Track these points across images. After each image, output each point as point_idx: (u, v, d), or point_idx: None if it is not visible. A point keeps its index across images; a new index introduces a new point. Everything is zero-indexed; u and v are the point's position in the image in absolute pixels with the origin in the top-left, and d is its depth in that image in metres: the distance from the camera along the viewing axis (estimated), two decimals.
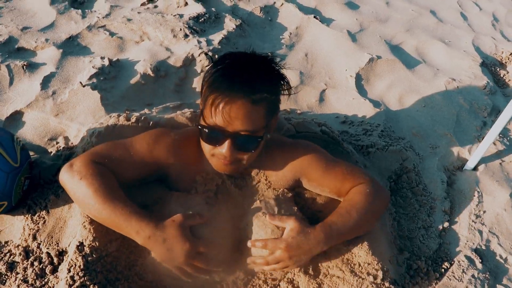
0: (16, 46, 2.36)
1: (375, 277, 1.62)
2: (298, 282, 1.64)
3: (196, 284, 1.59)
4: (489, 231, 2.00)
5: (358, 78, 2.57)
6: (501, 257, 1.91)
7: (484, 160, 2.30)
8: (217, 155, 1.53)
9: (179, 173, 1.70)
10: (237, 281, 1.63)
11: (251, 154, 1.55)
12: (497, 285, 1.78)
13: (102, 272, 1.53)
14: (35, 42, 2.40)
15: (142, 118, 1.92)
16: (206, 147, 1.55)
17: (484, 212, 2.08)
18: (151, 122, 1.91)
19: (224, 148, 1.47)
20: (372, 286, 1.60)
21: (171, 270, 1.49)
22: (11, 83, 2.17)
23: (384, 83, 2.60)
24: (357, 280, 1.60)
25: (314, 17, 2.92)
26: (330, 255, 1.69)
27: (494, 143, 2.39)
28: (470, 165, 2.26)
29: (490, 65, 2.96)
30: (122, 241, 1.61)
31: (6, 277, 1.53)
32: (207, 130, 1.47)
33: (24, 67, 2.23)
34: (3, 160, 1.58)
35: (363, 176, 1.75)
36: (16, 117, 2.02)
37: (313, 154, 1.73)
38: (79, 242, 1.55)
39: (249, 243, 1.55)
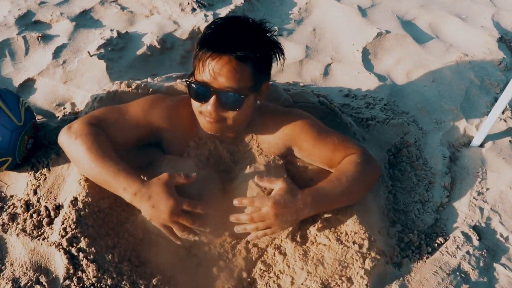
0: (33, 19, 2.50)
1: (360, 246, 1.64)
2: (285, 248, 1.69)
3: (185, 244, 1.66)
4: (491, 208, 1.94)
5: (365, 53, 2.56)
6: (501, 235, 1.84)
7: (492, 137, 2.23)
8: (203, 112, 1.57)
9: (172, 137, 1.77)
10: (224, 244, 1.69)
11: (236, 114, 1.57)
12: (494, 263, 1.73)
13: (93, 226, 1.62)
14: (51, 15, 2.53)
15: (142, 85, 2.00)
16: (194, 105, 1.60)
17: (488, 189, 2.02)
18: (151, 89, 1.99)
19: (209, 105, 1.52)
20: (357, 255, 1.61)
21: (160, 228, 1.55)
22: (26, 53, 2.30)
23: (392, 58, 2.57)
24: (342, 249, 1.63)
25: None
26: (319, 223, 1.72)
27: (505, 120, 2.32)
28: (476, 141, 2.20)
29: (510, 41, 2.86)
30: (115, 199, 1.71)
31: (8, 226, 1.65)
32: (194, 86, 1.53)
33: (39, 38, 2.36)
34: (8, 119, 1.69)
35: (355, 147, 1.75)
36: (28, 84, 2.15)
37: (305, 123, 1.75)
38: (73, 197, 1.65)
39: (235, 201, 1.56)
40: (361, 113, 2.19)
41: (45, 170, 1.80)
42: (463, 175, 2.08)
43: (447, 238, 1.82)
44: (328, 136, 1.75)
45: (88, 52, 2.22)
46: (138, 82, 2.04)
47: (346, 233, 1.68)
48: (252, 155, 1.82)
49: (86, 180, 1.67)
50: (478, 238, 1.81)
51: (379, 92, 2.33)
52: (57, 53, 2.28)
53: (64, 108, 2.07)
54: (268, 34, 1.59)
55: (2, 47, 2.30)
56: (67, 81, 2.14)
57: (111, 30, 2.39)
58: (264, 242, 1.72)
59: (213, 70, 1.46)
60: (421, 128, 2.23)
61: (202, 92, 1.52)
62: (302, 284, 1.60)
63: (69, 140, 1.58)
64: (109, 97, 1.95)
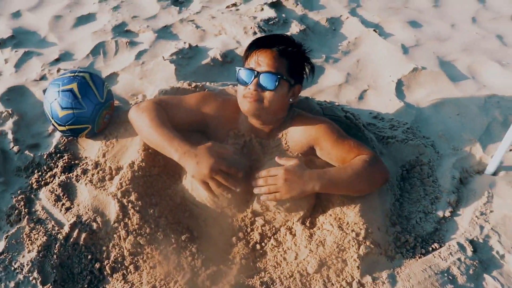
0: (125, 29, 3.07)
1: (357, 234, 1.87)
2: (295, 230, 1.95)
3: (212, 214, 2.01)
4: (491, 228, 2.03)
5: (399, 84, 2.83)
6: (497, 253, 1.93)
7: (507, 168, 2.38)
8: (246, 94, 1.95)
9: (216, 126, 2.15)
10: (245, 219, 2.00)
11: (272, 95, 1.93)
12: (484, 274, 1.83)
13: (143, 185, 2.02)
14: (139, 27, 3.09)
15: (200, 85, 2.44)
16: (239, 90, 2.00)
17: (492, 211, 2.12)
18: (206, 89, 2.42)
19: (251, 85, 1.92)
20: (354, 241, 1.84)
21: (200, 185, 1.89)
22: (115, 53, 2.85)
23: (424, 91, 2.80)
24: (341, 234, 1.87)
25: (374, 30, 3.26)
26: (326, 213, 1.99)
27: None
28: (490, 169, 2.33)
29: None
30: (164, 169, 2.12)
31: (80, 177, 2.09)
32: (242, 70, 1.96)
33: (127, 43, 2.90)
34: (93, 95, 2.18)
35: (367, 151, 2.03)
36: (113, 77, 2.67)
37: (328, 127, 2.07)
38: (131, 161, 2.07)
39: (257, 175, 1.89)
40: (383, 132, 2.46)
41: (114, 140, 2.26)
42: (469, 196, 2.21)
43: (442, 245, 1.95)
44: (346, 140, 2.05)
45: (163, 56, 2.72)
46: (198, 83, 2.48)
47: (348, 223, 1.92)
48: (280, 150, 2.12)
49: (144, 150, 2.09)
50: (472, 250, 1.91)
51: (405, 118, 2.58)
52: (138, 55, 2.81)
53: (137, 98, 2.54)
54: (303, 49, 2.03)
55: (98, 47, 2.89)
56: (143, 77, 2.64)
57: (184, 43, 2.89)
58: (279, 222, 2.00)
59: (258, 58, 1.93)
60: (438, 151, 2.43)
61: (247, 74, 1.94)
62: (303, 259, 1.85)
63: (137, 113, 2.03)
64: (172, 91, 2.40)
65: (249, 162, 2.11)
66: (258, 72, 1.92)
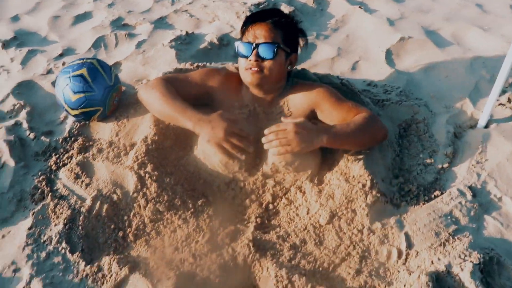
0: (122, 23, 3.18)
1: (364, 185, 1.96)
2: (304, 188, 2.05)
3: (224, 179, 2.11)
4: (487, 175, 2.12)
5: (389, 53, 2.95)
6: (495, 196, 2.02)
7: (497, 121, 2.48)
8: (247, 66, 2.07)
9: (221, 99, 2.25)
10: (256, 182, 2.10)
11: (271, 63, 2.07)
12: (485, 215, 1.92)
13: (157, 157, 2.12)
14: (136, 20, 3.20)
15: (202, 65, 2.55)
16: (241, 62, 2.12)
17: (486, 160, 2.21)
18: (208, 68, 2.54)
19: (251, 56, 2.05)
20: (361, 192, 1.94)
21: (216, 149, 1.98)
22: (116, 45, 2.96)
23: (412, 58, 2.93)
24: (348, 186, 1.96)
25: (359, 7, 3.40)
26: (333, 170, 2.10)
27: (511, 108, 2.56)
28: (481, 123, 2.43)
29: None
30: (175, 141, 2.21)
31: (96, 156, 2.17)
32: (241, 44, 2.09)
33: (126, 35, 3.01)
34: (103, 78, 2.27)
35: (366, 110, 2.15)
36: (116, 66, 2.77)
37: (327, 91, 2.20)
38: (145, 136, 2.17)
39: (266, 130, 1.95)
40: (378, 96, 2.58)
41: (125, 120, 2.34)
42: (465, 148, 2.30)
43: (443, 192, 2.05)
44: (344, 101, 2.17)
45: (162, 43, 2.83)
46: (199, 63, 2.59)
47: (354, 176, 2.02)
48: (282, 116, 2.25)
49: (156, 125, 2.19)
50: (472, 194, 2.00)
51: (397, 83, 2.69)
52: (138, 45, 2.92)
53: (142, 83, 2.64)
54: (295, 20, 2.18)
55: (99, 41, 2.99)
56: (145, 64, 2.74)
57: (181, 30, 3.01)
58: (288, 183, 2.09)
59: (254, 31, 2.07)
60: (431, 110, 2.55)
61: (246, 47, 2.07)
62: (315, 213, 1.95)
63: (147, 90, 2.13)
64: (175, 72, 2.51)
65: (255, 129, 2.21)
66: (256, 44, 2.04)
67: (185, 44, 2.90)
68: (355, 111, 2.14)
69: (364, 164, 2.09)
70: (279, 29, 2.08)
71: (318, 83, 2.34)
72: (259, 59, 2.06)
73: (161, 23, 3.21)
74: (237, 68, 2.52)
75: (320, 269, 1.77)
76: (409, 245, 1.82)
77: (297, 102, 2.22)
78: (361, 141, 2.07)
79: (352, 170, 2.08)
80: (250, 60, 2.06)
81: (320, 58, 2.93)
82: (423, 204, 2.00)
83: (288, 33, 2.13)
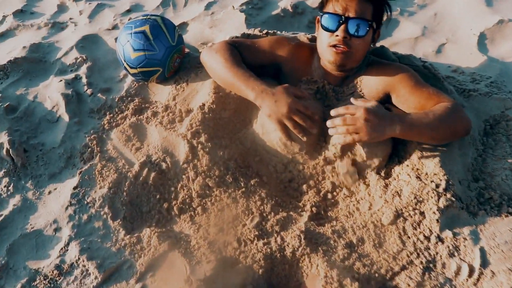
0: None
1: (437, 186, 1.70)
2: (369, 180, 1.83)
3: (283, 160, 1.91)
4: None
5: (482, 38, 2.57)
6: None
7: None
8: (332, 42, 1.81)
9: (289, 70, 2.04)
10: (316, 167, 1.89)
11: (360, 43, 1.81)
12: None
13: (213, 128, 1.95)
14: None
15: (272, 32, 2.32)
16: (323, 37, 1.85)
17: None
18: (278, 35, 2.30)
19: (339, 31, 1.77)
20: (433, 193, 1.68)
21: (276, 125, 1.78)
22: (184, 5, 2.78)
23: (510, 45, 2.54)
24: (419, 185, 1.71)
25: None
26: (403, 163, 1.84)
27: None
28: None
29: None
30: (235, 111, 2.03)
31: (150, 119, 2.05)
32: (328, 16, 1.80)
33: None
34: (165, 38, 2.11)
35: (448, 98, 1.85)
36: (182, 26, 2.61)
37: (405, 73, 1.92)
38: (202, 103, 2.00)
39: (332, 112, 1.71)
40: (464, 85, 2.24)
41: (184, 84, 2.19)
42: None
43: None
44: (424, 86, 1.88)
45: (233, 6, 2.61)
46: (269, 31, 2.37)
47: (427, 174, 1.77)
48: (354, 96, 2.01)
49: (215, 92, 2.01)
50: None
51: (488, 72, 2.34)
52: (208, 6, 2.73)
53: (205, 45, 2.47)
54: None
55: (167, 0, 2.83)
56: (213, 26, 2.56)
57: None
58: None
59: (344, 2, 1.76)
60: None
61: (334, 20, 1.79)
62: (378, 210, 1.72)
63: (210, 54, 1.95)
64: (243, 37, 2.30)
65: (322, 108, 1.99)
66: (346, 18, 1.77)
67: (256, 8, 2.67)
68: (436, 99, 1.85)
69: (441, 161, 1.82)
70: (369, 2, 1.80)
71: (396, 63, 2.05)
72: (348, 35, 1.79)
73: None
74: (310, 40, 2.30)
75: (376, 275, 1.56)
76: (484, 263, 1.54)
77: (371, 83, 1.95)
78: (440, 135, 1.78)
79: (425, 166, 1.82)
80: (336, 36, 1.80)
81: (402, 37, 2.61)
82: (506, 216, 1.70)
83: (378, 7, 1.85)
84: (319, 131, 1.84)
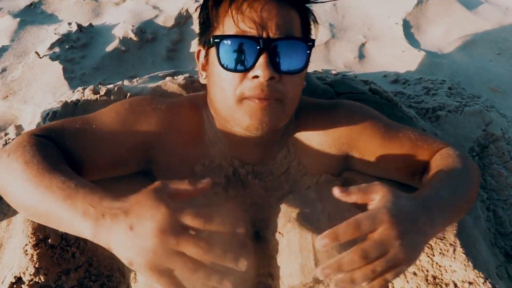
0: None
1: None
2: None
3: None
4: None
5: (406, 26, 1.99)
6: None
7: None
8: (247, 91, 0.95)
9: (168, 158, 1.11)
10: None
11: (296, 83, 1.02)
12: None
13: None
14: None
15: (116, 89, 1.35)
16: (226, 84, 0.99)
17: None
18: (129, 94, 1.34)
19: (258, 68, 0.94)
20: None
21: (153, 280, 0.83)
22: None
23: (440, 29, 2.05)
24: None
25: None
26: (410, 274, 1.07)
27: None
28: None
29: None
30: (88, 268, 1.04)
31: None
32: (230, 41, 0.96)
33: None
34: None
35: (440, 141, 1.14)
36: None
37: (364, 117, 1.15)
38: (15, 277, 0.97)
39: (323, 241, 0.78)
40: (423, 102, 1.60)
41: None
42: None
43: None
44: (400, 131, 1.14)
45: (37, 52, 1.54)
46: (110, 86, 1.39)
47: (455, 285, 1.04)
48: (291, 177, 1.19)
49: (37, 244, 1.00)
50: None
51: (436, 73, 1.76)
52: None
53: (6, 134, 1.43)
54: None
55: None
56: (9, 95, 1.48)
57: (69, 24, 1.72)
58: None
59: (258, 15, 0.98)
60: (504, 114, 1.63)
61: (247, 49, 0.95)
62: None
63: (0, 160, 0.91)
64: (66, 111, 1.29)
65: (245, 214, 1.14)
66: (267, 40, 0.96)
67: (78, 48, 1.64)
68: (426, 148, 1.13)
69: (465, 252, 1.08)
70: (294, 8, 1.02)
71: (340, 102, 1.25)
72: (276, 73, 0.95)
73: (32, 14, 1.89)
74: (181, 86, 1.38)
75: None
76: None
77: (313, 149, 1.18)
78: (472, 201, 1.08)
79: (446, 270, 1.08)
80: (255, 78, 0.95)
81: None
82: None
83: (304, 14, 1.06)
84: (253, 258, 1.03)
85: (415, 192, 0.94)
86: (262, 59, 0.95)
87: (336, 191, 0.84)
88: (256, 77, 0.94)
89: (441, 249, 1.12)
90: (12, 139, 1.40)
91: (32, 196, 0.87)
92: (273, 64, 0.96)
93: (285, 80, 0.99)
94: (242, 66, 0.95)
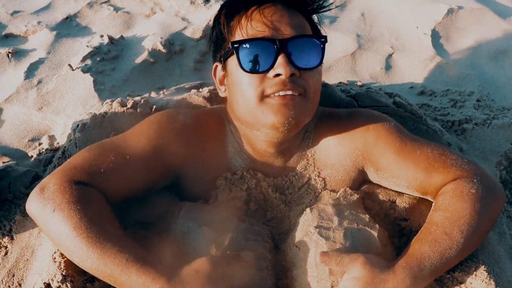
0: (3, 33, 1.92)
1: None
2: None
3: None
4: None
5: (435, 36, 1.98)
6: None
7: None
8: (268, 89, 1.04)
9: (194, 172, 1.17)
10: None
11: (316, 78, 1.10)
12: None
13: None
14: (25, 26, 1.96)
15: (142, 101, 1.40)
16: (247, 88, 1.07)
17: None
18: (154, 107, 1.38)
19: (279, 66, 1.03)
20: None
21: None
22: None
23: (470, 38, 2.02)
24: None
25: None
26: None
27: None
28: None
29: None
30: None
31: None
32: (248, 45, 1.05)
33: (9, 55, 1.77)
34: None
35: (460, 165, 1.14)
36: None
37: (380, 129, 1.18)
38: (44, 283, 1.03)
39: None
40: (449, 115, 1.60)
41: (6, 239, 1.19)
42: None
43: None
44: (418, 146, 1.17)
45: (69, 65, 1.61)
46: (137, 98, 1.44)
47: None
48: (311, 190, 1.20)
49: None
50: None
51: (465, 85, 1.75)
52: (31, 71, 1.71)
53: (40, 144, 1.51)
54: None
55: None
56: (43, 106, 1.57)
57: (101, 36, 1.80)
58: None
59: (270, 20, 1.07)
60: None
61: (265, 50, 1.04)
62: None
63: (44, 213, 1.00)
64: (95, 123, 1.35)
65: (267, 231, 1.17)
66: (284, 40, 1.04)
67: (109, 60, 1.71)
68: (443, 171, 1.14)
69: (489, 272, 1.08)
70: (303, 15, 1.13)
71: (359, 110, 1.27)
72: (296, 69, 1.03)
73: (68, 27, 1.99)
74: (206, 98, 1.42)
75: None
76: None
77: (332, 159, 1.22)
78: (474, 248, 1.10)
79: (466, 287, 1.09)
80: (276, 76, 1.03)
81: (332, 57, 1.85)
82: None
83: (309, 17, 1.17)
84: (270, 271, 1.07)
85: (406, 253, 1.01)
86: (281, 59, 1.03)
87: (319, 257, 0.99)
88: (278, 75, 1.02)
89: (461, 265, 1.11)
90: (47, 150, 1.47)
91: (85, 260, 0.98)
92: (292, 62, 1.04)
93: (305, 75, 1.06)
94: (262, 67, 1.04)
